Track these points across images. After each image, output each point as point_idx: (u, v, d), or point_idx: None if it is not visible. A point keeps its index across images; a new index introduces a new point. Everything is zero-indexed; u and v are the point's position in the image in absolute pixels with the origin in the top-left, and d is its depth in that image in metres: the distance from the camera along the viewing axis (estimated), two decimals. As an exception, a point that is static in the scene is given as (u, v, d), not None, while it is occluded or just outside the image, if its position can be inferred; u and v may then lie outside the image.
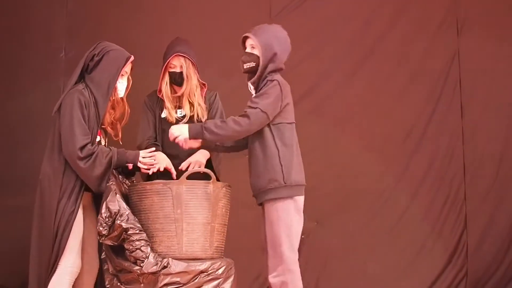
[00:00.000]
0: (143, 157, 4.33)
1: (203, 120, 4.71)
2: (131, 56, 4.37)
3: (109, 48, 4.34)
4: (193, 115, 4.73)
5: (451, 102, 6.57)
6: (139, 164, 4.31)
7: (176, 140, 4.24)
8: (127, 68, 4.38)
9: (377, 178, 6.52)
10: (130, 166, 4.35)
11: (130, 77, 4.45)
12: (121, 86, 4.37)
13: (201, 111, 4.75)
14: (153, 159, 4.36)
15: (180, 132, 4.21)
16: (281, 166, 4.17)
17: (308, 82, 6.50)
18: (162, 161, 4.45)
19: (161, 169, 4.41)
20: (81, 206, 4.19)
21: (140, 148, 4.64)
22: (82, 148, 4.10)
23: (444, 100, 6.57)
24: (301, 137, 6.21)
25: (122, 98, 4.42)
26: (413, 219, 6.49)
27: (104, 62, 4.28)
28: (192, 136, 4.19)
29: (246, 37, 4.34)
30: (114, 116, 4.42)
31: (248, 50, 4.32)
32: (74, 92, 4.21)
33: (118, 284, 3.99)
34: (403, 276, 6.42)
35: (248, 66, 4.30)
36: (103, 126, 4.36)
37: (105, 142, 4.42)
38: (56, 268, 4.13)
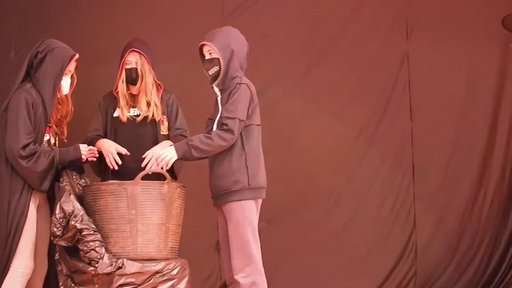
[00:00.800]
0: (83, 149, 4.32)
1: (157, 120, 4.70)
2: (75, 54, 4.34)
3: (53, 45, 4.30)
4: (147, 115, 4.70)
5: (401, 104, 6.66)
6: (83, 155, 4.29)
7: (161, 162, 4.16)
8: (71, 66, 4.35)
9: (328, 178, 6.57)
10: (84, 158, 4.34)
11: (75, 75, 4.41)
12: (66, 84, 4.34)
13: (156, 111, 4.72)
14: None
15: (168, 153, 4.17)
16: (247, 168, 4.22)
17: (260, 83, 6.43)
18: (109, 147, 4.47)
19: (114, 156, 4.43)
20: (34, 206, 4.15)
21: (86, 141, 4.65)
22: (24, 147, 4.08)
23: (394, 102, 6.65)
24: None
25: (66, 96, 4.39)
26: (363, 219, 6.56)
27: (48, 60, 4.25)
28: (180, 156, 4.18)
29: (202, 46, 4.37)
30: (60, 114, 4.39)
31: (207, 57, 4.34)
32: (21, 92, 4.18)
33: (73, 285, 3.96)
34: (354, 276, 6.49)
35: (213, 72, 4.33)
36: (49, 125, 4.32)
37: (55, 140, 4.40)
38: (8, 269, 4.08)
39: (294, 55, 6.62)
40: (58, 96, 4.31)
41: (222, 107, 4.31)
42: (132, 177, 4.16)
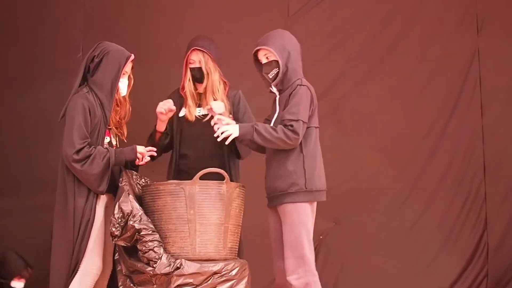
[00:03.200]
0: (140, 150, 4.35)
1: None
2: (131, 55, 4.39)
3: (108, 48, 4.36)
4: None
5: (471, 101, 6.50)
6: (138, 156, 4.34)
7: (221, 135, 4.25)
8: (128, 67, 4.40)
9: (395, 178, 6.47)
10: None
11: (131, 76, 4.46)
12: (123, 85, 4.40)
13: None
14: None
15: (231, 128, 4.24)
16: (304, 170, 4.22)
17: (325, 82, 6.45)
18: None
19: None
20: (101, 208, 4.22)
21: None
22: (78, 151, 4.12)
23: (464, 99, 6.51)
24: (320, 135, 6.29)
25: (124, 97, 4.45)
26: (432, 219, 6.44)
27: (105, 63, 4.31)
28: (242, 135, 4.24)
29: (257, 52, 4.41)
30: (119, 116, 4.45)
31: (264, 61, 4.38)
32: (77, 98, 4.25)
33: (131, 285, 3.98)
34: (422, 277, 6.37)
35: (273, 75, 4.36)
36: (109, 127, 4.37)
37: (116, 141, 4.45)
38: (77, 270, 4.14)
39: (358, 53, 6.54)
40: (116, 97, 4.36)
41: (280, 107, 4.32)
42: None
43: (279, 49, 4.32)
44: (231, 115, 4.68)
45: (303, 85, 4.31)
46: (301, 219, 4.20)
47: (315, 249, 6.07)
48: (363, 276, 6.37)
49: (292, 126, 4.18)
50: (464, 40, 6.53)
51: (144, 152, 4.35)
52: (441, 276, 6.38)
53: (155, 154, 4.46)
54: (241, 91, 4.86)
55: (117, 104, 4.41)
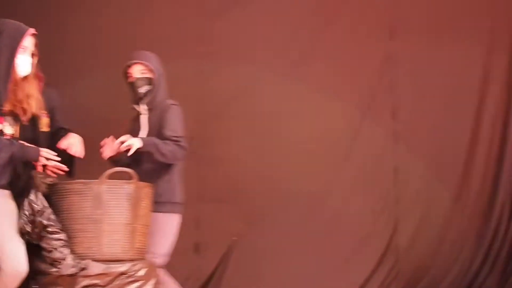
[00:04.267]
0: (45, 156, 3.98)
1: None
2: (30, 29, 3.92)
3: (3, 26, 3.89)
4: None
5: (384, 104, 6.61)
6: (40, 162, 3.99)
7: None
8: (27, 41, 3.92)
9: (310, 179, 6.51)
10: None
11: (36, 53, 4.00)
12: (23, 62, 3.94)
13: None
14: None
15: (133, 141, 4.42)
16: (170, 182, 4.54)
17: (241, 83, 6.49)
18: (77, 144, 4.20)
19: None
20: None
21: None
22: None
23: (377, 103, 6.61)
24: (233, 136, 6.31)
25: (26, 77, 3.99)
26: (345, 220, 6.51)
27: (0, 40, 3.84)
28: (144, 146, 4.45)
29: (130, 65, 4.58)
30: (17, 98, 3.97)
31: (138, 76, 4.57)
32: None
33: (36, 287, 3.89)
34: (335, 277, 6.44)
35: (144, 91, 4.58)
36: (2, 112, 3.91)
37: (15, 128, 4.02)
38: None
39: (274, 56, 6.56)
40: (15, 77, 3.91)
41: (149, 126, 4.57)
42: None
43: (156, 67, 4.57)
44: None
45: (176, 104, 4.61)
46: (170, 229, 4.60)
47: (227, 251, 6.30)
48: (278, 276, 6.40)
49: (179, 142, 4.49)
50: (378, 44, 6.63)
51: (49, 157, 3.97)
52: (353, 276, 6.47)
53: (62, 167, 4.08)
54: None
55: (16, 85, 3.93)
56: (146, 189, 4.14)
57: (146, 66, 4.54)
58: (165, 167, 4.52)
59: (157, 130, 4.52)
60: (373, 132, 6.58)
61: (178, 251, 5.32)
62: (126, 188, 4.02)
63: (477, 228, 6.57)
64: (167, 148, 4.44)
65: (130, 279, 3.93)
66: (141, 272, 3.98)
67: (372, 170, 6.57)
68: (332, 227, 6.49)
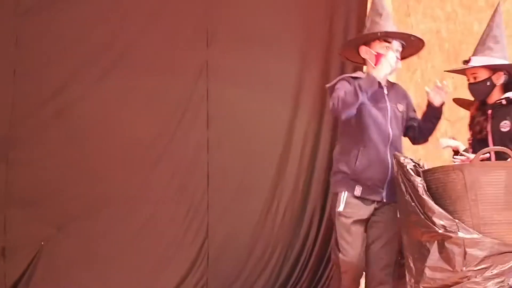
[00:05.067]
0: None
1: None
2: None
3: None
4: None
5: (198, 113, 6.64)
6: None
7: None
8: None
9: (122, 184, 6.45)
10: None
11: None
12: None
13: None
14: None
15: None
16: None
17: (55, 85, 6.37)
18: None
19: None
20: None
21: None
22: None
23: (191, 110, 6.63)
24: (44, 139, 6.18)
25: None
26: (156, 227, 6.48)
27: None
28: None
29: None
30: None
31: None
32: None
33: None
34: (146, 283, 6.38)
35: None
36: None
37: None
38: None
39: (91, 58, 6.47)
40: None
41: None
42: None
43: None
44: None
45: None
46: None
47: (35, 256, 6.17)
48: (87, 282, 6.29)
49: None
50: (195, 52, 6.66)
51: None
52: (163, 283, 6.43)
53: None
54: None
55: None
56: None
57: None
58: None
59: None
60: (187, 139, 6.59)
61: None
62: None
63: (287, 237, 6.68)
64: None
65: None
66: None
67: (185, 177, 6.57)
68: (144, 233, 6.45)
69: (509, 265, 3.99)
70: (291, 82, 6.78)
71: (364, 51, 4.72)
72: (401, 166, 4.18)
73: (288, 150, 6.74)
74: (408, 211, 4.12)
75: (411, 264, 4.08)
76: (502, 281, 3.99)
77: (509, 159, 4.11)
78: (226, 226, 6.60)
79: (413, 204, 4.13)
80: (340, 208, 4.64)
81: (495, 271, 3.99)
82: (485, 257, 3.98)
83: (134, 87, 6.55)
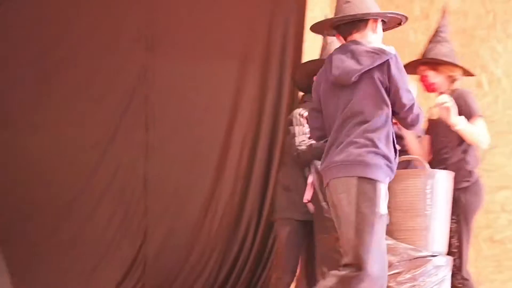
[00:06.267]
0: None
1: None
2: None
3: None
4: None
5: (138, 117, 6.68)
6: None
7: None
8: None
9: (63, 186, 6.49)
10: None
11: None
12: None
13: None
14: None
15: None
16: None
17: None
18: None
19: None
20: None
21: None
22: None
23: (131, 114, 6.67)
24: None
25: None
26: (94, 230, 6.52)
27: None
28: None
29: None
30: None
31: None
32: None
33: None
34: (83, 286, 6.44)
35: None
36: None
37: None
38: None
39: (33, 61, 6.50)
40: None
41: None
42: None
43: None
44: None
45: None
46: None
47: None
48: (27, 284, 6.31)
49: None
50: (135, 56, 6.70)
51: None
52: (100, 286, 6.48)
53: None
54: None
55: None
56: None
57: None
58: None
59: None
60: (126, 142, 6.63)
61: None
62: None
63: (225, 240, 6.75)
64: None
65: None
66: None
67: (123, 179, 6.62)
68: (81, 235, 6.50)
69: (421, 270, 4.11)
70: (231, 86, 6.83)
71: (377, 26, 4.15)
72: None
73: (226, 154, 6.79)
74: (324, 218, 4.22)
75: (325, 270, 4.17)
76: (414, 286, 4.11)
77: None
78: (164, 228, 6.66)
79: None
80: (383, 206, 3.82)
81: (407, 276, 4.11)
82: (398, 262, 4.08)
83: (75, 91, 6.59)
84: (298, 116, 5.02)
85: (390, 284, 4.09)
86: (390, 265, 4.08)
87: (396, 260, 4.09)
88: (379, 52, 3.90)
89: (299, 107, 5.16)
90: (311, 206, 4.58)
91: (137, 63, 6.72)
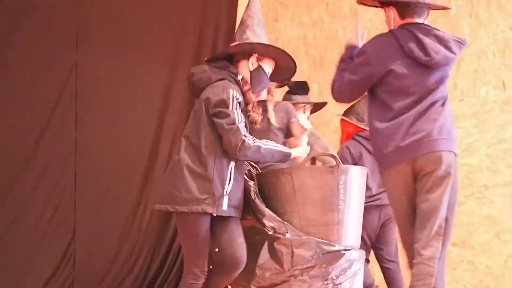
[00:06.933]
0: None
1: None
2: None
3: None
4: None
5: (67, 114, 6.66)
6: None
7: None
8: None
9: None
10: None
11: None
12: None
13: None
14: None
15: None
16: None
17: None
18: None
19: None
20: None
21: None
22: None
23: (60, 111, 6.65)
24: None
25: None
26: (24, 226, 6.49)
27: None
28: None
29: None
30: None
31: None
32: None
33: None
34: (11, 286, 6.40)
35: None
36: None
37: None
38: None
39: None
40: None
41: None
42: None
43: None
44: None
45: None
46: None
47: None
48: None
49: None
50: (64, 53, 6.67)
51: None
52: (28, 284, 6.45)
53: None
54: None
55: None
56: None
57: None
58: None
59: None
60: (55, 139, 6.60)
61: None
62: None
63: (154, 238, 6.77)
64: None
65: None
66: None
67: (53, 177, 6.59)
68: (11, 233, 6.47)
69: (334, 264, 4.18)
70: (161, 85, 6.85)
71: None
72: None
73: (156, 153, 6.80)
74: (244, 214, 4.28)
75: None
76: (327, 280, 4.18)
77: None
78: (94, 226, 6.65)
79: (247, 207, 4.28)
80: None
81: (321, 270, 4.17)
82: (311, 257, 4.15)
83: (4, 85, 6.55)
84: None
85: (303, 278, 4.16)
86: (303, 259, 4.15)
87: (310, 254, 4.14)
88: (463, 42, 4.15)
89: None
90: None
91: (66, 59, 6.70)
